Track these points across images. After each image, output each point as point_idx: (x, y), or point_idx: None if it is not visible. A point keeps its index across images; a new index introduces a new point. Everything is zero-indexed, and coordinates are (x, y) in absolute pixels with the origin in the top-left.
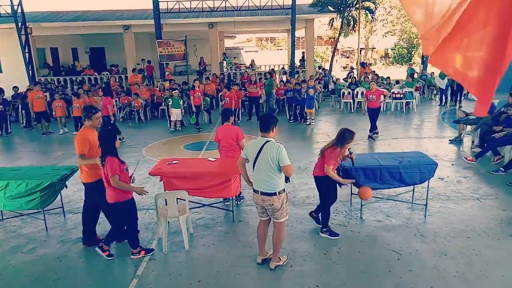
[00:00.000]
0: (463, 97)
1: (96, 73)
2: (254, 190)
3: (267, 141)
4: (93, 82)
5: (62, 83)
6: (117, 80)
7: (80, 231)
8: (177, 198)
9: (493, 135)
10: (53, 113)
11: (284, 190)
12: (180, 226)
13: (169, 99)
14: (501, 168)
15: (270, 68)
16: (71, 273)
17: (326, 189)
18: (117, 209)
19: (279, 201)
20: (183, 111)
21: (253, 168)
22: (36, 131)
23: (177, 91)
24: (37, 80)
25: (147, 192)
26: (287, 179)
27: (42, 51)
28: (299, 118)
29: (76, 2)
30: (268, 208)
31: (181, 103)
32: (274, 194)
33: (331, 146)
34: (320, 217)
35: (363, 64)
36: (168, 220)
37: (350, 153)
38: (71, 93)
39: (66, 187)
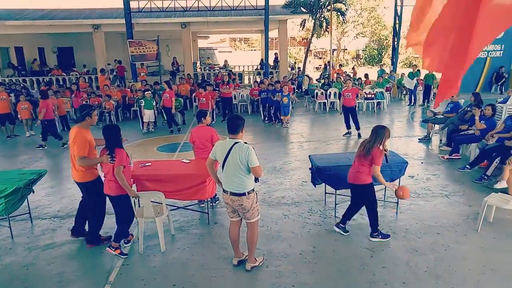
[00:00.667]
0: (431, 97)
1: (64, 74)
2: (224, 190)
3: (235, 143)
4: (61, 82)
5: (28, 83)
6: (87, 81)
7: (48, 237)
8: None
9: (486, 144)
10: (18, 115)
11: (253, 190)
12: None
13: (142, 100)
14: (467, 166)
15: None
16: (39, 282)
17: (372, 195)
18: (122, 202)
19: (249, 201)
20: (156, 112)
21: (222, 169)
22: (0, 134)
23: (149, 92)
24: (0, 80)
25: (139, 197)
26: (256, 179)
27: (6, 50)
28: (273, 119)
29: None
30: (238, 209)
31: (154, 104)
32: (243, 194)
33: (374, 146)
34: (346, 227)
35: (340, 65)
36: (144, 221)
37: (385, 150)
38: (37, 94)
39: (33, 192)
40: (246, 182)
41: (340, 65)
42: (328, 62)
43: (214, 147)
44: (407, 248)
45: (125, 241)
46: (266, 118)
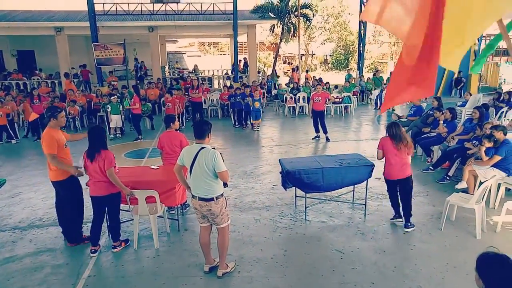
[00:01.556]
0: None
1: (25, 78)
2: (193, 196)
3: (202, 148)
4: (21, 87)
5: None
6: (49, 85)
7: (8, 250)
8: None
9: (448, 146)
10: None
11: (222, 195)
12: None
13: (108, 105)
14: (431, 167)
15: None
16: None
17: (411, 185)
18: (114, 199)
19: (217, 206)
20: (122, 117)
21: (190, 174)
22: None
23: (115, 96)
24: None
25: (133, 194)
26: (225, 184)
27: None
28: (243, 123)
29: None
30: (207, 214)
31: (121, 108)
32: (212, 199)
33: (398, 143)
34: (403, 215)
35: (296, 69)
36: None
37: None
38: None
39: None
40: (214, 187)
41: (307, 71)
42: (296, 67)
43: (181, 152)
44: (376, 249)
45: (92, 250)
46: (237, 123)
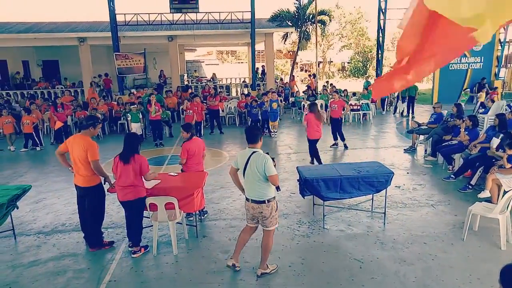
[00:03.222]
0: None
1: (50, 87)
2: (246, 198)
3: (253, 152)
4: (46, 96)
5: (12, 97)
6: (72, 94)
7: (33, 254)
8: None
9: (470, 154)
10: (1, 130)
11: (274, 198)
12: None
13: (128, 114)
14: (452, 176)
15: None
16: None
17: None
18: (139, 204)
19: (268, 209)
20: (142, 125)
21: (244, 177)
22: None
23: (135, 105)
24: None
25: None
26: (277, 188)
27: None
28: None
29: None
30: (258, 216)
31: (141, 116)
32: (263, 202)
33: (317, 117)
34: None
35: (313, 76)
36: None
37: None
38: (19, 108)
39: (17, 208)
40: (266, 190)
41: (314, 75)
42: (314, 74)
43: (236, 156)
44: (395, 259)
45: (132, 249)
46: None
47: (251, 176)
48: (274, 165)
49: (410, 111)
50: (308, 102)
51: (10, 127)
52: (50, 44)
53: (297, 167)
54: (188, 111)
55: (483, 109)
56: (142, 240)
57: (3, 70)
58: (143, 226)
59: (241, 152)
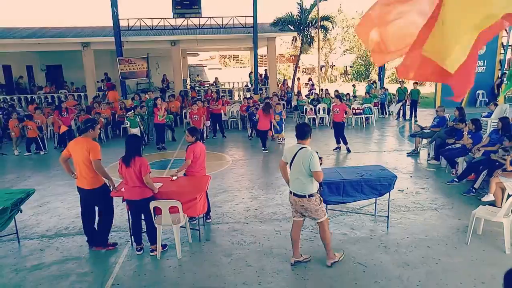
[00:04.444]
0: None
1: (55, 91)
2: (289, 191)
3: (301, 147)
4: (49, 100)
5: (16, 101)
6: (76, 98)
7: (36, 258)
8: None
9: (473, 157)
10: (12, 133)
11: (317, 193)
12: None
13: (127, 121)
14: (456, 179)
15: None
16: None
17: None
18: (147, 205)
19: (310, 203)
20: (142, 127)
21: (290, 170)
22: None
23: (132, 112)
24: None
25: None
26: (320, 184)
27: None
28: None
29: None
30: (300, 210)
31: (138, 120)
32: (305, 196)
33: (267, 113)
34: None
35: (284, 82)
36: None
37: None
38: (24, 113)
39: (21, 212)
40: (308, 185)
41: (313, 84)
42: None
43: (284, 150)
44: (399, 262)
45: (138, 248)
46: (252, 134)
47: (296, 170)
48: (320, 164)
49: (413, 115)
50: (311, 106)
51: (18, 131)
52: (54, 49)
53: None
54: (195, 116)
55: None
56: (143, 243)
57: (8, 75)
58: (144, 231)
59: (289, 147)
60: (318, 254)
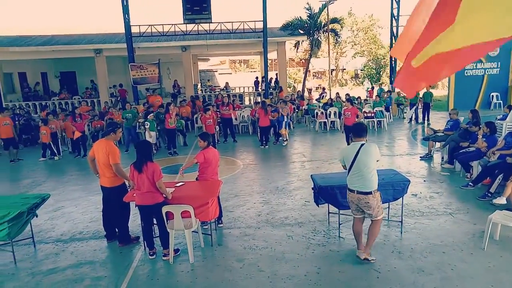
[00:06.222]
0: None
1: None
2: (350, 190)
3: (362, 144)
4: (63, 106)
5: (31, 107)
6: (89, 104)
7: (52, 262)
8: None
9: (488, 161)
10: (40, 139)
11: (378, 190)
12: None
13: (147, 122)
14: (470, 183)
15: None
16: None
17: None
18: (159, 210)
19: (374, 199)
20: (157, 133)
21: (349, 170)
22: (3, 158)
23: (152, 114)
24: (4, 106)
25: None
26: None
27: (10, 76)
28: (267, 140)
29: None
30: (364, 207)
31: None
32: (370, 193)
33: (266, 112)
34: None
35: (281, 88)
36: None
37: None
38: (38, 118)
39: (37, 216)
40: (373, 181)
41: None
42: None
43: (341, 153)
44: (413, 268)
45: (150, 253)
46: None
47: (359, 168)
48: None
49: (426, 118)
50: (322, 110)
51: (46, 138)
52: (67, 56)
53: (311, 175)
54: (208, 120)
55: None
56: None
57: (24, 82)
58: (156, 236)
59: (349, 147)
60: (331, 260)
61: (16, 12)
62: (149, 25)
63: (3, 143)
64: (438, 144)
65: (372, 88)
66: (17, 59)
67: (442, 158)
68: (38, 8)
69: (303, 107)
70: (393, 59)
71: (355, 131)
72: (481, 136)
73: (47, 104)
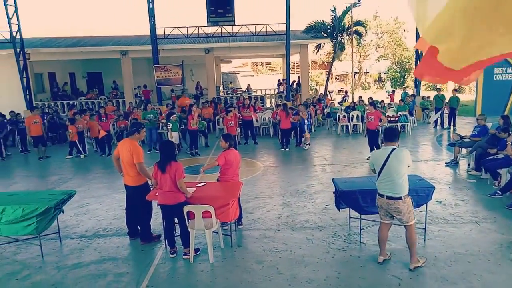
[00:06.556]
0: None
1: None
2: (380, 194)
3: (393, 149)
4: (90, 106)
5: (59, 107)
6: (114, 104)
7: (76, 257)
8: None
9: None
10: (69, 137)
11: (408, 195)
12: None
13: (169, 123)
14: (498, 191)
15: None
16: None
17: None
18: (181, 209)
19: (405, 204)
20: (180, 134)
21: (379, 174)
22: (32, 155)
23: (175, 115)
24: (34, 105)
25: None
26: None
27: (40, 76)
28: (287, 143)
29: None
30: (393, 212)
31: (179, 126)
32: (400, 198)
33: (287, 113)
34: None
35: (296, 90)
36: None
37: None
38: (66, 118)
39: (63, 212)
40: (403, 186)
41: (319, 99)
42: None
43: (372, 157)
44: (437, 277)
45: (171, 251)
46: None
47: (389, 172)
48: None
49: (452, 123)
50: (344, 113)
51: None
52: (94, 57)
53: (332, 179)
54: (230, 122)
55: None
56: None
57: (53, 82)
58: (177, 235)
59: (379, 151)
60: (351, 265)
61: (47, 15)
62: (174, 28)
63: (33, 140)
64: (464, 150)
65: (393, 91)
66: (47, 60)
67: (469, 164)
68: (68, 11)
69: (326, 111)
70: (417, 63)
71: (386, 135)
72: (510, 143)
73: (74, 103)
